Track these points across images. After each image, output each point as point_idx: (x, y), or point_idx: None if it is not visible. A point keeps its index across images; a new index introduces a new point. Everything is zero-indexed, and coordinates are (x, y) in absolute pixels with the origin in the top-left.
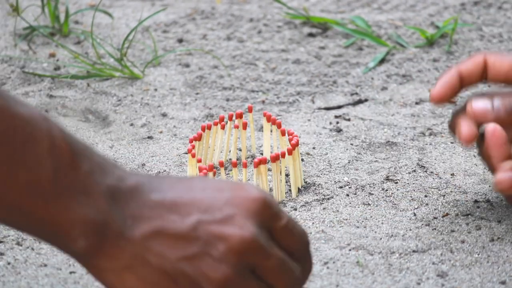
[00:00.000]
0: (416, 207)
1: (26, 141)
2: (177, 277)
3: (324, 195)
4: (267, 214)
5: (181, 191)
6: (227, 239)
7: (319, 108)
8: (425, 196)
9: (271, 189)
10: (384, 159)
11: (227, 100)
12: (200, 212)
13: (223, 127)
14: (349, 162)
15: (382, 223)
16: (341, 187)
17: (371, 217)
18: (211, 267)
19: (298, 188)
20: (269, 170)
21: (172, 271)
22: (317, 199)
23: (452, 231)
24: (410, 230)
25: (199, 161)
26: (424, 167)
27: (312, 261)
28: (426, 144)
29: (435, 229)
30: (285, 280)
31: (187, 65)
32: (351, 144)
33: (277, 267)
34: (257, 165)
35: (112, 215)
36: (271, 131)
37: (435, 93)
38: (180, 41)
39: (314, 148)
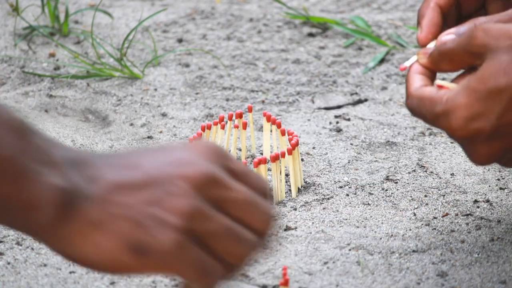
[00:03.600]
0: (416, 207)
1: None
2: (144, 221)
3: (324, 195)
4: (222, 156)
5: (132, 156)
6: (185, 176)
7: (319, 108)
8: (425, 196)
9: (271, 189)
10: (384, 159)
11: (227, 100)
12: (153, 162)
13: (223, 127)
14: (349, 162)
15: (382, 223)
16: (341, 187)
17: (371, 217)
18: (175, 202)
19: (298, 188)
20: (269, 170)
21: (138, 216)
22: (317, 199)
23: (452, 231)
24: (410, 230)
25: None
26: (424, 167)
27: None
28: (426, 144)
29: (435, 229)
30: (254, 213)
31: (187, 65)
32: (351, 144)
33: (242, 199)
34: (257, 165)
35: (74, 181)
36: (271, 131)
37: (423, 37)
38: (180, 41)
39: (314, 148)
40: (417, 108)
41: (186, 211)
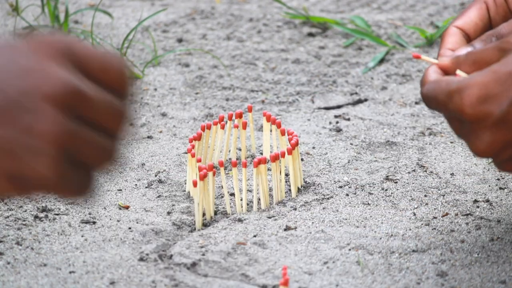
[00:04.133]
0: (415, 206)
1: None
2: (18, 150)
3: (324, 195)
4: (71, 54)
5: None
6: (45, 94)
7: (319, 108)
8: (425, 195)
9: (270, 189)
10: (383, 158)
11: (227, 99)
12: (7, 79)
13: (222, 127)
14: (348, 162)
15: (382, 222)
16: (340, 187)
17: (370, 216)
18: (44, 127)
19: (298, 188)
20: (269, 169)
21: (10, 146)
22: (316, 198)
23: (452, 230)
24: (410, 229)
25: (199, 160)
26: (424, 166)
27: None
28: (426, 143)
29: (434, 228)
30: (115, 117)
31: (187, 65)
32: (351, 144)
33: (102, 106)
34: (256, 164)
35: None
36: (270, 130)
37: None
38: (180, 41)
39: (313, 147)
40: (432, 91)
41: (56, 136)
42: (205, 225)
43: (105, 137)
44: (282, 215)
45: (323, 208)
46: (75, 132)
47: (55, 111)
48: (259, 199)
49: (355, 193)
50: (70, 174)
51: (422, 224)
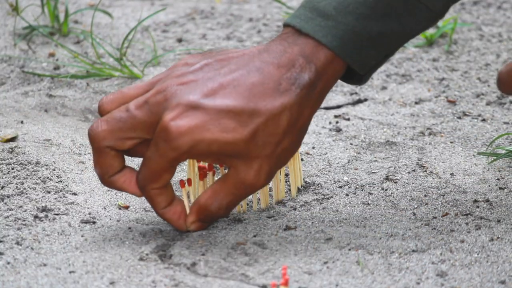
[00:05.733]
0: (415, 206)
1: None
2: None
3: (324, 195)
4: None
5: None
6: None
7: (319, 108)
8: (425, 195)
9: (270, 189)
10: (383, 158)
11: None
12: None
13: None
14: (348, 162)
15: (382, 222)
16: (340, 187)
17: (370, 216)
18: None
19: (298, 188)
20: None
21: None
22: (316, 198)
23: (452, 230)
24: (410, 229)
25: (199, 160)
26: (424, 166)
27: None
28: (426, 143)
29: (434, 228)
30: None
31: None
32: (351, 144)
33: None
34: None
35: None
36: None
37: None
38: (180, 40)
39: (313, 147)
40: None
41: None
42: None
43: None
44: (282, 215)
45: (323, 208)
46: None
47: None
48: (259, 199)
49: (355, 193)
50: None
51: (422, 224)
